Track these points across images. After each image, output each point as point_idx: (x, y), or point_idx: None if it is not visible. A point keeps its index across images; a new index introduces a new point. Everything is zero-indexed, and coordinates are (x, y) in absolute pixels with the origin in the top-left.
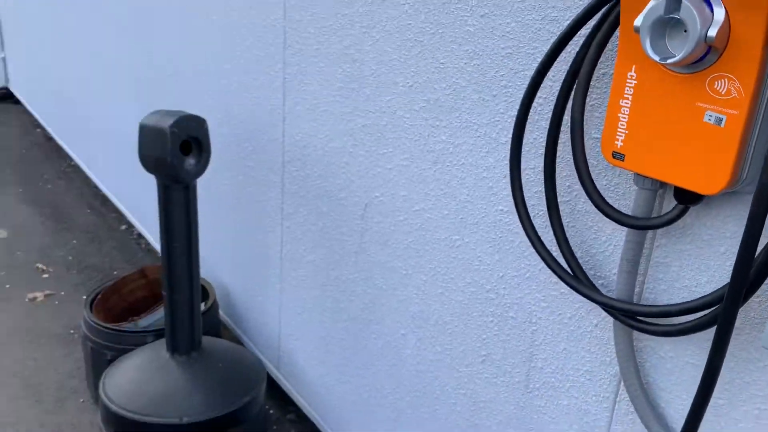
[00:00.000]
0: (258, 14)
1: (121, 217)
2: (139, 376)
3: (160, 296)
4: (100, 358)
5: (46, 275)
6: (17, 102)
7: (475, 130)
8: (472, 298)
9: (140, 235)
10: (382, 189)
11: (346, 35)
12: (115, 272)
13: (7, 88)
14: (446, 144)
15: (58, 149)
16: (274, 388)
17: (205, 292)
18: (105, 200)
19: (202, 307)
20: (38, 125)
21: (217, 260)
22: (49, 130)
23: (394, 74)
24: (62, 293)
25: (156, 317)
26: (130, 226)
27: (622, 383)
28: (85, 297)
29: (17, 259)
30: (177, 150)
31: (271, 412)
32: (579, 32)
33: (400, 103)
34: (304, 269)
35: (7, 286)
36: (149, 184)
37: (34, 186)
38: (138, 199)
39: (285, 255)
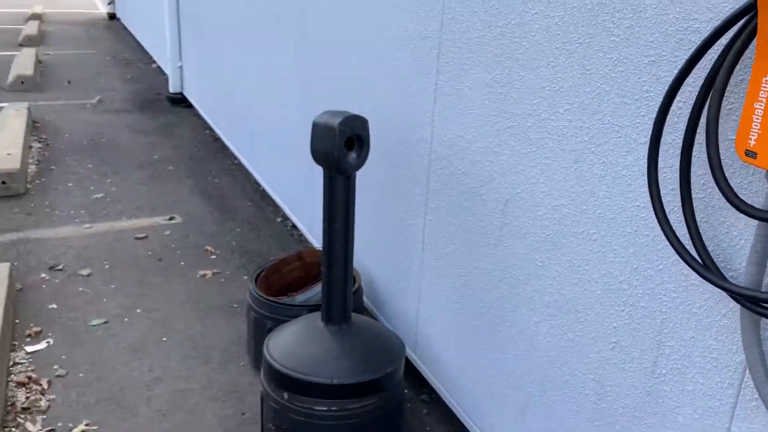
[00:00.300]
0: (416, 27)
1: (277, 210)
2: (298, 341)
3: (314, 277)
4: (262, 327)
5: (213, 256)
6: (190, 106)
7: (617, 131)
8: (606, 288)
9: (294, 226)
10: (523, 186)
11: (498, 45)
12: (271, 258)
13: (181, 94)
14: (588, 144)
15: (224, 148)
16: (409, 370)
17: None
18: (264, 195)
19: None
20: (207, 127)
21: (363, 249)
22: (217, 131)
23: (541, 80)
24: (227, 272)
25: (310, 294)
26: (286, 218)
27: (747, 371)
28: (246, 277)
29: (190, 242)
30: (342, 145)
31: (405, 392)
32: (718, 41)
33: (545, 106)
34: (443, 260)
35: (182, 263)
36: (304, 180)
37: (204, 180)
38: (293, 194)
39: (426, 246)
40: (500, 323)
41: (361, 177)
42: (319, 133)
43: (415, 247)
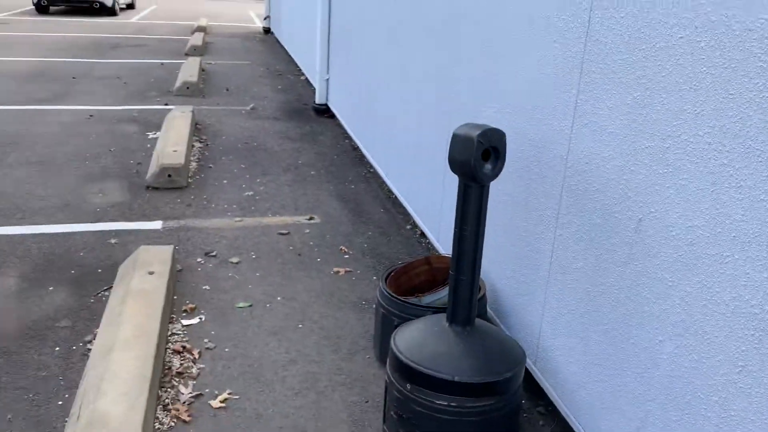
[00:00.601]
0: (560, 46)
1: (407, 218)
2: (423, 337)
3: (440, 281)
4: (389, 323)
5: (347, 256)
6: (333, 116)
7: (758, 156)
8: (736, 311)
9: (422, 234)
10: (658, 205)
11: (640, 67)
12: (399, 262)
13: (326, 104)
14: (727, 167)
15: (362, 157)
16: (528, 381)
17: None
18: (395, 202)
19: None
20: (347, 137)
21: (489, 260)
22: (356, 140)
23: (682, 102)
24: (358, 272)
25: (436, 297)
26: (415, 226)
27: None
28: (375, 277)
29: (326, 241)
30: (479, 156)
31: (522, 401)
32: None
33: (685, 128)
34: (570, 275)
35: (318, 259)
36: (435, 190)
37: (342, 185)
38: (424, 204)
39: (554, 260)
40: (624, 340)
41: (493, 188)
42: (459, 143)
43: (542, 261)
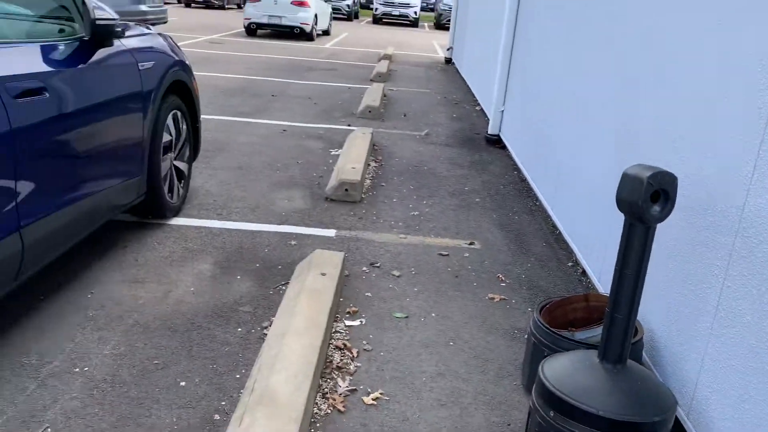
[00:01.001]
0: (746, 94)
1: (570, 255)
2: (572, 369)
3: (596, 319)
4: (539, 353)
5: (503, 284)
6: (503, 147)
7: None
8: None
9: (584, 273)
10: None
11: None
12: (556, 296)
13: (498, 135)
14: None
15: (528, 190)
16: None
17: (635, 330)
18: (559, 238)
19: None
20: (516, 168)
21: (649, 303)
22: (524, 173)
23: None
24: (513, 301)
25: (590, 334)
26: (577, 264)
27: None
28: (530, 309)
29: (484, 267)
30: (648, 197)
31: None
32: None
33: None
34: (735, 328)
35: (474, 284)
36: (602, 230)
37: (505, 215)
38: (588, 242)
39: (719, 312)
40: None
41: (659, 231)
42: (628, 183)
43: (706, 311)
